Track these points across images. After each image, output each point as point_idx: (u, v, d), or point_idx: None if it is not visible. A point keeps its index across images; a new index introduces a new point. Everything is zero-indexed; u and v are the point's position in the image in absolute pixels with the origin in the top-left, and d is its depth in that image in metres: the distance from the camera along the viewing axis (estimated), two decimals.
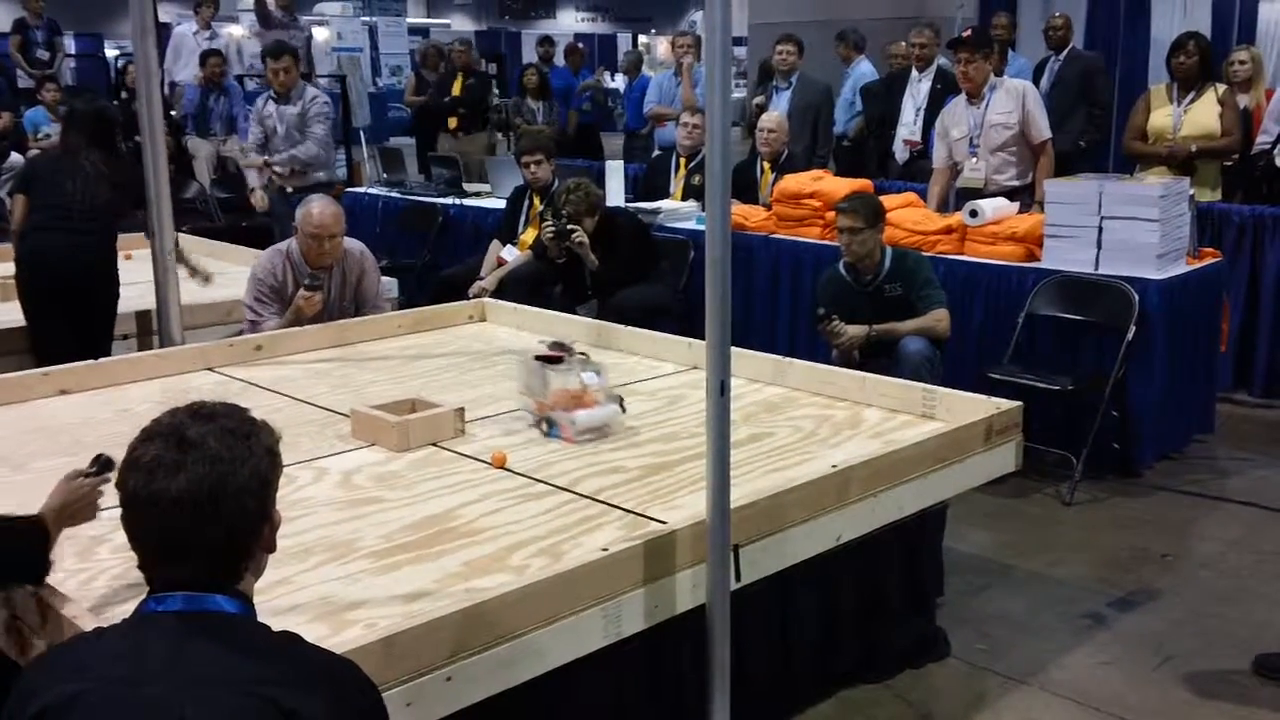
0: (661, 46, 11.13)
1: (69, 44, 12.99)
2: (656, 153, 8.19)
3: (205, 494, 1.49)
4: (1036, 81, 7.56)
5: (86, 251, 4.67)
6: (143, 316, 4.77)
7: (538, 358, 3.45)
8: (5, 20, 15.28)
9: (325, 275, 4.60)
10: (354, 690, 1.52)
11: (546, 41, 11.52)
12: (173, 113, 9.83)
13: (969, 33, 6.12)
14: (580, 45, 13.23)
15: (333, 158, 7.02)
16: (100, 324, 4.71)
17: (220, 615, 1.50)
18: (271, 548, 1.61)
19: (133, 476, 1.52)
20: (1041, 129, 5.73)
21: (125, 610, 2.10)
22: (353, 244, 4.81)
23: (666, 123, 8.95)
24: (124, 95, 11.48)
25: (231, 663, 1.44)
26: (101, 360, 4.00)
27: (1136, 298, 4.68)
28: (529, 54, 11.84)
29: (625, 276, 5.64)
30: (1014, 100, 5.74)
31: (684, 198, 6.85)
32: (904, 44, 8.19)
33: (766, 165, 6.70)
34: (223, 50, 10.36)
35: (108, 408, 3.64)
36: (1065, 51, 7.96)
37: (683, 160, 7.06)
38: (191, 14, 11.05)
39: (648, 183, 7.27)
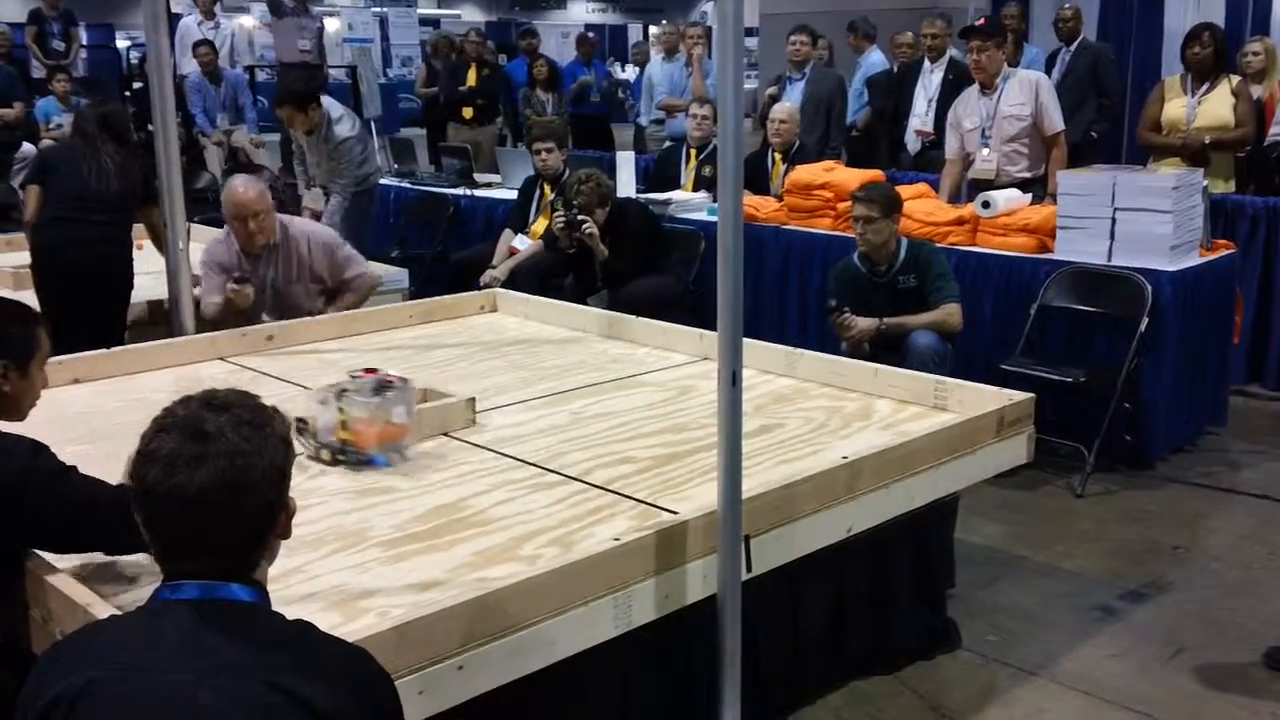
0: (656, 33, 10.93)
1: (82, 35, 13.00)
2: (667, 144, 8.19)
3: (226, 488, 1.48)
4: (1047, 73, 7.54)
5: (104, 242, 4.69)
6: (155, 306, 4.78)
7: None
8: (20, 11, 15.34)
9: (257, 267, 4.56)
10: (368, 679, 1.52)
11: (528, 34, 11.35)
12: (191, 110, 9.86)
13: (982, 21, 6.10)
14: (591, 35, 13.15)
15: (368, 157, 6.63)
16: (116, 313, 4.73)
17: (235, 604, 1.50)
18: (286, 534, 1.61)
19: (151, 469, 1.50)
20: (1054, 121, 5.71)
21: (139, 597, 2.12)
22: (309, 226, 4.78)
23: (677, 114, 8.96)
24: (135, 86, 11.50)
25: (246, 651, 1.44)
26: (114, 349, 4.02)
27: (1149, 289, 4.66)
28: (542, 45, 11.61)
29: (636, 267, 5.64)
30: (1027, 91, 5.71)
31: (695, 188, 6.85)
32: (910, 34, 8.16)
33: (778, 156, 6.70)
34: (213, 40, 10.33)
35: (120, 396, 3.65)
36: (1075, 43, 7.93)
37: (693, 151, 7.05)
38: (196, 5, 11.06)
39: (658, 174, 7.27)
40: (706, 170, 6.85)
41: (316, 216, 6.64)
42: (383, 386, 3.07)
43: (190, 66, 10.29)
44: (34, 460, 2.23)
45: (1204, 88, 6.15)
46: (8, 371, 2.42)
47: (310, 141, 6.40)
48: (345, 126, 6.27)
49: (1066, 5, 8.08)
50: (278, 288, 4.63)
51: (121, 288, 4.78)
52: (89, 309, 4.61)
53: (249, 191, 4.48)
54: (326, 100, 6.34)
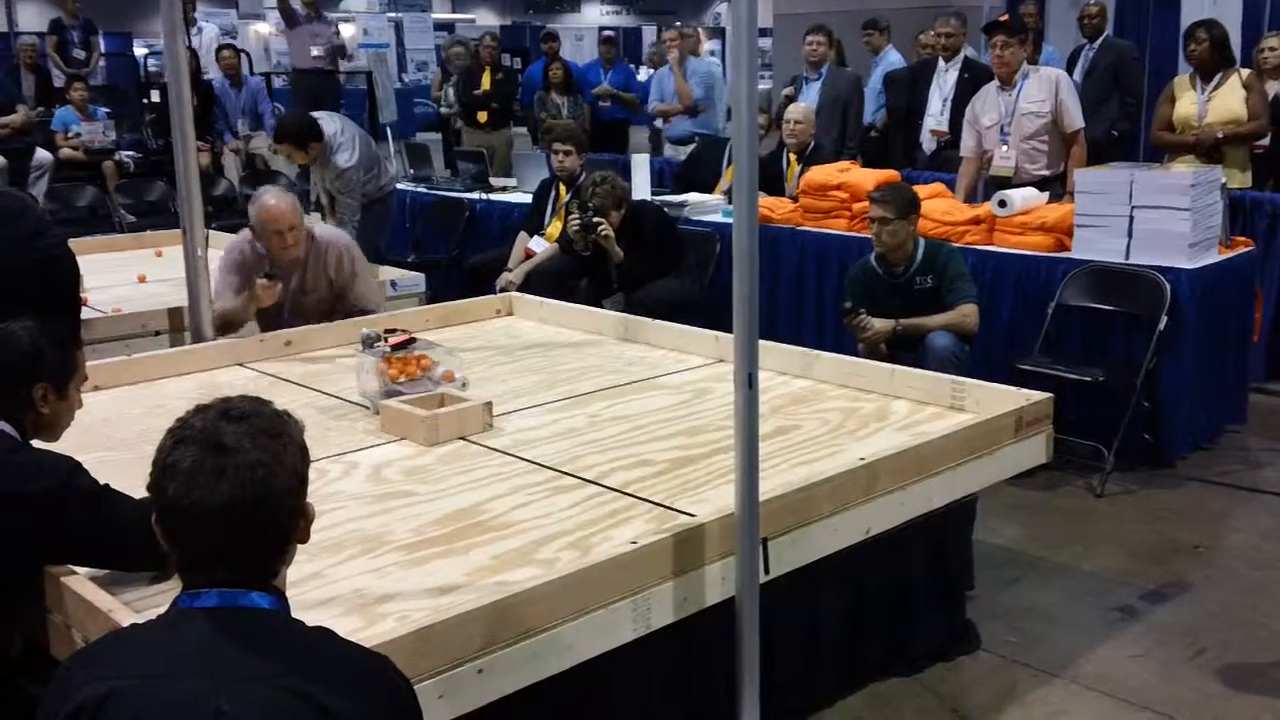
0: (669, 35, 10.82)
1: (101, 43, 13.08)
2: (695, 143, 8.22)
3: (249, 501, 1.49)
4: (1070, 70, 7.51)
5: None
6: (175, 313, 4.80)
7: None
8: (41, 20, 15.46)
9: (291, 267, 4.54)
10: (388, 685, 1.53)
11: (549, 37, 11.40)
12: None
13: (1005, 17, 6.07)
14: (608, 34, 13.12)
15: (374, 174, 6.44)
16: None
17: (255, 611, 1.51)
18: (305, 539, 1.62)
19: (171, 483, 1.50)
20: (1074, 118, 5.68)
21: (158, 601, 2.13)
22: (330, 233, 4.73)
23: (672, 118, 9.09)
24: (154, 95, 11.56)
25: (267, 658, 1.45)
26: (134, 356, 4.04)
27: (1168, 287, 4.64)
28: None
29: (651, 270, 5.64)
30: (1047, 88, 5.69)
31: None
32: (932, 34, 8.14)
33: (793, 157, 6.68)
34: (196, 47, 10.39)
35: (140, 403, 3.68)
36: (1099, 40, 7.90)
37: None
38: (218, 12, 11.13)
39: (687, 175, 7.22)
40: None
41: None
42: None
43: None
44: (71, 480, 2.26)
45: (1213, 83, 6.11)
46: (46, 394, 2.44)
47: (314, 165, 6.41)
48: (344, 157, 6.16)
49: (1092, 2, 8.03)
50: (297, 298, 4.58)
51: None
52: None
53: (281, 204, 4.43)
54: (330, 126, 6.18)
